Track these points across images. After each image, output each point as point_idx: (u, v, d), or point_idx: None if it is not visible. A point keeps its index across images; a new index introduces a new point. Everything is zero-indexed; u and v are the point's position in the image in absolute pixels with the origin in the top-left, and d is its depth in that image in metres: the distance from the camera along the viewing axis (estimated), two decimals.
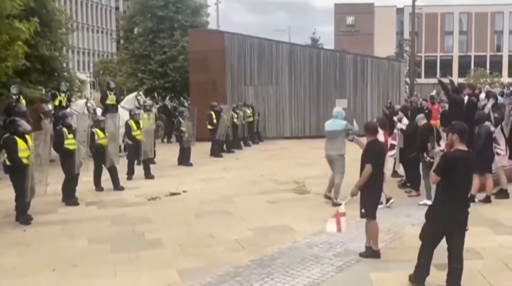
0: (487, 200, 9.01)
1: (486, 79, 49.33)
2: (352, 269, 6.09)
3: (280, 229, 7.80)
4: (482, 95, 15.69)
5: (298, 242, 7.11)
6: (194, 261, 6.41)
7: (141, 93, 17.91)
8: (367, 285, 5.58)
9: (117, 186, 11.07)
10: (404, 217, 8.29)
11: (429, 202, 8.71)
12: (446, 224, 5.25)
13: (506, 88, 34.26)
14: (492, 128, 9.27)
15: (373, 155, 6.40)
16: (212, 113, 16.61)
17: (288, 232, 7.62)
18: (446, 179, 5.18)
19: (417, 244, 6.74)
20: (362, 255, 6.48)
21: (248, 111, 19.45)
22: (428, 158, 8.99)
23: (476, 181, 8.84)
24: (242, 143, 18.74)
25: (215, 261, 6.41)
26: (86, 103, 15.93)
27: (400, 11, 66.09)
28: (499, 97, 20.62)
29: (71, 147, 9.81)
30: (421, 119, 9.51)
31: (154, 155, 14.06)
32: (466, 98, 11.02)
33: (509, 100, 13.61)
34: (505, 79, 52.20)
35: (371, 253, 6.45)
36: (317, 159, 15.09)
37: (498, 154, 9.28)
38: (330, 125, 9.37)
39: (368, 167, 6.26)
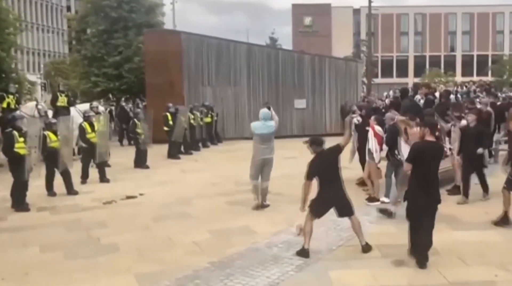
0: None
1: (441, 79, 50.82)
2: (311, 268, 6.16)
3: (240, 230, 7.82)
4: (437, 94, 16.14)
5: (258, 243, 7.13)
6: (152, 266, 6.34)
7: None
8: (327, 283, 5.65)
9: (70, 191, 10.82)
10: (363, 216, 8.41)
11: (386, 200, 8.94)
12: (418, 206, 6.02)
13: (460, 87, 35.45)
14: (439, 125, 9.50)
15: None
16: (168, 114, 16.47)
17: (247, 234, 7.64)
18: (417, 166, 5.94)
19: (377, 242, 6.93)
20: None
21: (206, 112, 19.37)
22: (398, 156, 8.88)
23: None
24: (200, 144, 18.67)
25: (174, 264, 6.35)
26: (36, 106, 15.51)
27: (356, 12, 67.41)
28: (453, 96, 21.32)
29: (21, 152, 9.50)
30: (390, 118, 9.51)
31: (109, 158, 13.80)
32: (418, 97, 11.37)
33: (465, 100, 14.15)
34: (458, 78, 53.87)
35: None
36: (277, 160, 15.16)
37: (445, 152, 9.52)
38: (262, 128, 9.14)
39: None
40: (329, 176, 6.69)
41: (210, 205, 9.59)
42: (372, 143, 9.43)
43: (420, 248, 6.01)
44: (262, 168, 9.29)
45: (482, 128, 9.49)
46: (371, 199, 9.42)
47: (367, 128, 9.83)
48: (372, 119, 9.71)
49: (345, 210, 6.76)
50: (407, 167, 6.14)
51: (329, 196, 6.65)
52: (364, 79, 36.16)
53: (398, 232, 7.40)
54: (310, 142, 6.83)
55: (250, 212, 8.97)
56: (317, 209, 6.62)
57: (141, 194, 10.55)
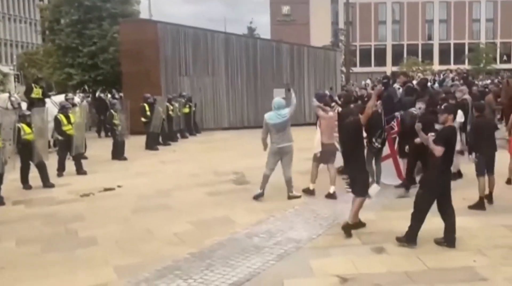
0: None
1: (419, 67, 51.31)
2: (292, 256, 6.20)
3: (220, 221, 7.81)
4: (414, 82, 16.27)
5: (238, 233, 7.14)
6: (132, 258, 6.30)
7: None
8: (308, 272, 5.69)
9: (46, 183, 10.67)
10: (343, 203, 8.48)
11: (378, 187, 8.93)
12: (441, 188, 6.28)
13: (437, 75, 35.88)
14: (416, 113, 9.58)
15: None
16: (145, 105, 16.34)
17: (228, 224, 7.64)
18: (447, 152, 6.16)
19: (358, 230, 7.00)
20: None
21: (184, 102, 19.28)
22: (376, 144, 9.08)
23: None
24: (178, 135, 18.58)
25: (154, 256, 6.32)
26: (9, 97, 15.22)
27: (334, 1, 67.49)
28: (429, 84, 21.54)
29: None
30: (369, 106, 9.50)
31: (85, 150, 13.63)
32: (397, 86, 11.43)
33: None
34: (436, 67, 54.45)
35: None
36: (256, 150, 15.19)
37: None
38: (274, 117, 9.01)
39: None
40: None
41: (190, 196, 9.56)
42: None
43: (448, 229, 6.29)
44: (280, 157, 9.12)
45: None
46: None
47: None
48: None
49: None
50: (439, 152, 6.15)
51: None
52: (343, 68, 36.27)
53: (378, 220, 7.52)
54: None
55: (229, 202, 8.96)
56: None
57: (119, 186, 10.45)
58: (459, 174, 9.82)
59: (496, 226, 7.03)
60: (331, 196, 8.92)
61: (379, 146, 9.19)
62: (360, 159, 7.15)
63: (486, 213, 7.65)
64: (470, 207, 7.88)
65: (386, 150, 9.51)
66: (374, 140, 9.07)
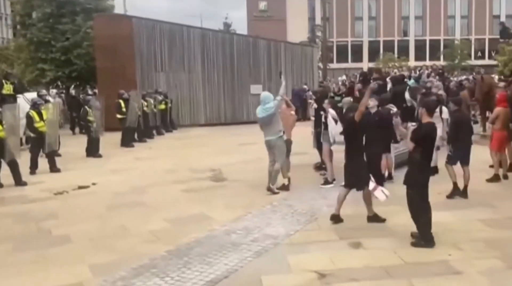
0: (389, 177, 9.49)
1: (395, 63, 51.81)
2: (270, 253, 6.20)
3: (197, 218, 7.78)
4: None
5: (216, 230, 7.12)
6: (107, 256, 6.24)
7: None
8: (285, 268, 5.70)
9: (18, 182, 10.49)
10: (320, 199, 8.57)
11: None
12: (426, 184, 6.29)
13: (413, 71, 36.29)
14: (394, 110, 9.69)
15: None
16: (121, 101, 16.18)
17: (205, 221, 7.61)
18: (425, 147, 6.21)
19: (335, 225, 7.06)
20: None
21: (160, 99, 19.16)
22: None
23: (384, 160, 9.39)
24: (154, 132, 18.45)
25: (130, 254, 6.27)
26: None
27: None
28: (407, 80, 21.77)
29: None
30: (347, 102, 9.47)
31: (59, 147, 13.43)
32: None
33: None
34: (412, 63, 55.03)
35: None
36: (234, 146, 15.29)
37: (397, 139, 9.72)
38: (260, 111, 9.07)
39: None
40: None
41: (166, 193, 9.50)
42: (330, 127, 9.52)
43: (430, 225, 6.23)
44: (271, 150, 9.20)
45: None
46: (326, 182, 9.54)
47: (321, 112, 9.95)
48: (326, 103, 9.80)
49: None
50: (411, 146, 6.31)
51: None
52: (320, 64, 36.41)
53: (355, 215, 7.55)
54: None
55: (206, 199, 8.93)
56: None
57: (93, 184, 10.33)
58: (435, 170, 9.97)
59: (472, 220, 7.15)
60: (284, 187, 9.18)
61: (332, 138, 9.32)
62: (356, 155, 7.16)
63: (462, 208, 7.77)
64: (448, 197, 8.22)
65: None
66: None
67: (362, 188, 7.11)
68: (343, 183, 8.62)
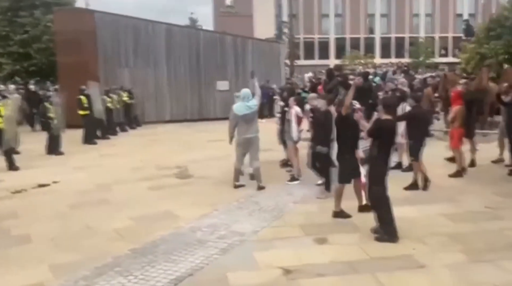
0: None
1: (361, 61, 52.50)
2: (236, 250, 6.21)
3: (163, 215, 7.72)
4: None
5: (181, 228, 7.08)
6: (69, 255, 6.12)
7: None
8: (252, 265, 5.71)
9: None
10: (287, 196, 8.62)
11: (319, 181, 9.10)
12: (386, 179, 6.40)
13: (378, 68, 36.85)
14: (357, 106, 9.81)
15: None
16: (82, 97, 15.88)
17: (170, 218, 7.56)
18: (383, 143, 6.32)
19: (300, 221, 7.12)
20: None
21: (125, 95, 18.93)
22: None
23: None
24: (118, 128, 18.20)
25: (93, 253, 6.17)
26: None
27: None
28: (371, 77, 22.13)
29: None
30: (313, 99, 9.43)
31: (18, 144, 13.09)
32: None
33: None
34: (378, 60, 55.88)
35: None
36: (200, 143, 15.23)
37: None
38: (243, 108, 8.97)
39: None
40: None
41: (131, 191, 9.39)
42: (292, 124, 9.58)
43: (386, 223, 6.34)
44: (247, 148, 9.13)
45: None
46: (292, 178, 9.61)
47: (285, 108, 10.00)
48: (291, 100, 9.85)
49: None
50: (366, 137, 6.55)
51: None
52: (287, 61, 36.59)
53: (321, 211, 7.65)
54: None
55: (172, 196, 8.87)
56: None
57: (55, 182, 10.12)
58: (399, 165, 10.17)
59: (435, 215, 7.31)
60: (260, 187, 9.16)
61: (293, 138, 9.45)
62: (340, 149, 7.26)
63: (426, 203, 7.94)
64: (406, 188, 8.58)
65: None
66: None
67: (342, 181, 7.17)
68: (319, 182, 8.79)
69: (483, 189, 8.67)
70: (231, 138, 9.19)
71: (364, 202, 7.32)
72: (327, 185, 8.44)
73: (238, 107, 9.05)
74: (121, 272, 5.53)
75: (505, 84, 11.91)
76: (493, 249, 5.92)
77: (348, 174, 7.21)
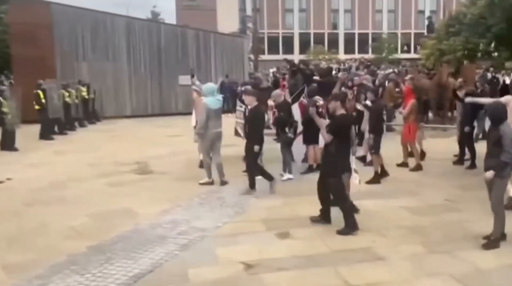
0: (310, 169, 9.72)
1: (325, 56, 53.02)
2: (197, 246, 6.19)
3: (121, 212, 7.62)
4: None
5: (141, 224, 7.01)
6: (23, 254, 5.97)
7: None
8: (212, 260, 5.71)
9: None
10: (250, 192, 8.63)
11: (291, 176, 9.17)
12: (344, 171, 6.63)
13: (342, 64, 37.34)
14: (321, 102, 9.93)
15: None
16: (39, 92, 15.52)
17: (130, 215, 7.46)
18: (340, 136, 6.45)
19: (263, 217, 7.15)
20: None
21: (83, 89, 18.60)
22: (289, 134, 9.25)
23: (312, 151, 9.66)
24: (76, 123, 17.87)
25: (49, 252, 6.04)
26: None
27: None
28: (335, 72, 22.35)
29: None
30: (278, 96, 9.57)
31: None
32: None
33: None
34: (341, 56, 56.59)
35: None
36: (161, 138, 15.10)
37: None
38: (214, 103, 8.96)
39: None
40: None
41: (89, 188, 9.24)
42: None
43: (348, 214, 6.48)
44: (216, 142, 9.08)
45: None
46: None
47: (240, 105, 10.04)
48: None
49: None
50: (329, 138, 6.53)
51: None
52: (251, 56, 36.63)
53: (283, 206, 7.72)
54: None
55: (132, 193, 8.76)
56: None
57: (8, 179, 9.89)
58: (363, 159, 10.33)
59: (396, 208, 7.45)
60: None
61: (292, 135, 9.37)
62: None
63: (387, 196, 8.09)
64: (367, 182, 8.66)
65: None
66: (287, 129, 9.28)
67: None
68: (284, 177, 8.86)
69: (442, 182, 8.92)
70: (201, 133, 9.06)
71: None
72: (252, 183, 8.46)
73: (210, 101, 8.98)
74: (77, 270, 5.43)
75: (460, 80, 12.30)
76: (451, 241, 6.09)
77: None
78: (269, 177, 8.52)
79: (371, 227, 6.62)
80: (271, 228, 6.70)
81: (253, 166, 8.50)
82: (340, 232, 6.38)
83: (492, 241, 5.81)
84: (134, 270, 5.44)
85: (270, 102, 10.04)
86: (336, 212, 6.63)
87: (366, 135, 10.03)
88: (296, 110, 9.78)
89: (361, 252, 5.78)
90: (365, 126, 10.18)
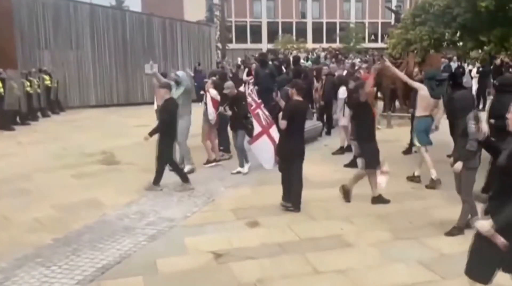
0: None
1: (293, 45, 53.18)
2: (166, 236, 6.19)
3: (87, 203, 7.55)
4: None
5: (108, 215, 6.98)
6: None
7: None
8: (181, 250, 5.72)
9: None
10: (217, 181, 8.67)
11: (242, 170, 9.12)
12: (292, 154, 6.92)
13: (311, 53, 37.54)
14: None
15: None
16: None
17: (96, 206, 7.41)
18: (291, 121, 6.76)
19: (232, 206, 7.19)
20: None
21: (46, 78, 18.23)
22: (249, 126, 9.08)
23: None
24: (39, 114, 17.52)
25: (12, 245, 5.95)
26: None
27: None
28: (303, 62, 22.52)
29: None
30: (231, 87, 9.36)
31: None
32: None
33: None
34: (310, 45, 56.81)
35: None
36: (127, 129, 14.94)
37: None
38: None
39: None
40: None
41: (53, 179, 9.11)
42: (209, 107, 9.58)
43: (295, 194, 6.91)
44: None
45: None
46: (207, 161, 9.72)
47: (201, 92, 10.00)
48: (208, 83, 9.90)
49: None
50: (283, 125, 6.79)
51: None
52: (219, 44, 36.51)
53: (253, 195, 7.78)
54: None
55: (98, 183, 8.69)
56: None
57: None
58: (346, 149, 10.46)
59: (363, 196, 7.55)
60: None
61: (250, 126, 9.10)
62: (363, 136, 7.29)
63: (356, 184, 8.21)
64: (346, 165, 9.07)
65: (257, 129, 9.01)
66: (244, 121, 9.17)
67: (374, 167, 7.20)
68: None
69: (409, 170, 9.06)
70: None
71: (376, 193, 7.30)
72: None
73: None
74: (43, 263, 5.37)
75: (416, 69, 12.53)
76: (417, 227, 6.25)
77: (377, 159, 7.24)
78: (183, 177, 8.34)
79: (339, 214, 6.74)
80: (240, 217, 6.76)
81: (163, 164, 8.29)
82: (285, 207, 6.95)
83: (457, 229, 5.95)
84: (102, 261, 5.42)
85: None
86: (305, 201, 6.72)
87: (342, 122, 10.27)
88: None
89: (330, 239, 5.89)
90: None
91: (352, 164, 8.83)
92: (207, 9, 60.23)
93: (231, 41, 58.04)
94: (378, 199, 7.24)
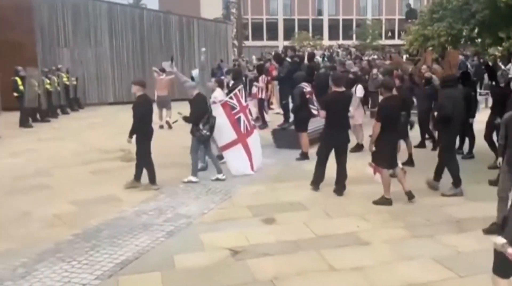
0: (304, 156, 9.80)
1: (309, 42, 52.96)
2: (183, 232, 6.24)
3: (106, 199, 7.64)
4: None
5: (126, 212, 7.04)
6: (6, 243, 5.95)
7: None
8: (198, 246, 5.76)
9: None
10: (234, 178, 8.68)
11: (193, 179, 8.42)
12: (333, 142, 7.54)
13: (327, 50, 37.35)
14: (308, 89, 9.96)
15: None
16: (17, 78, 15.32)
17: (114, 202, 7.49)
18: (329, 111, 7.44)
19: (249, 203, 7.22)
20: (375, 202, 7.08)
21: (64, 76, 18.41)
22: (204, 131, 8.26)
23: (304, 138, 9.78)
24: (59, 111, 17.72)
25: (32, 240, 6.04)
26: None
27: None
28: (318, 58, 22.45)
29: None
30: (192, 88, 8.63)
31: None
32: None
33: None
34: (326, 42, 56.52)
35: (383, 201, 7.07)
36: None
37: (314, 114, 9.98)
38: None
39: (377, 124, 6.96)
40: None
41: (72, 175, 9.21)
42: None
43: (339, 180, 7.52)
44: None
45: None
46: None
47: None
48: (212, 82, 9.93)
49: None
50: (322, 114, 7.62)
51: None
52: (235, 42, 36.49)
53: (269, 192, 7.79)
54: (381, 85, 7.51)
55: (116, 180, 8.72)
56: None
57: None
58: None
59: (376, 193, 7.51)
60: None
61: (208, 133, 8.34)
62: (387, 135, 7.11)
63: (368, 182, 8.11)
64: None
65: (231, 136, 8.71)
66: (201, 126, 8.28)
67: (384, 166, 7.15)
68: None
69: (421, 167, 8.95)
70: None
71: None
72: None
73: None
74: (63, 258, 5.45)
75: (424, 66, 12.36)
76: (431, 225, 6.22)
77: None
78: (151, 177, 8.19)
79: (355, 212, 6.73)
80: (256, 214, 6.78)
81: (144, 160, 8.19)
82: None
83: (495, 226, 5.52)
84: (120, 257, 5.48)
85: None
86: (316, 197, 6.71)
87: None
88: (217, 108, 8.67)
89: (345, 237, 5.89)
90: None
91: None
92: (223, 6, 60.27)
93: (247, 39, 57.99)
94: (409, 194, 7.14)
